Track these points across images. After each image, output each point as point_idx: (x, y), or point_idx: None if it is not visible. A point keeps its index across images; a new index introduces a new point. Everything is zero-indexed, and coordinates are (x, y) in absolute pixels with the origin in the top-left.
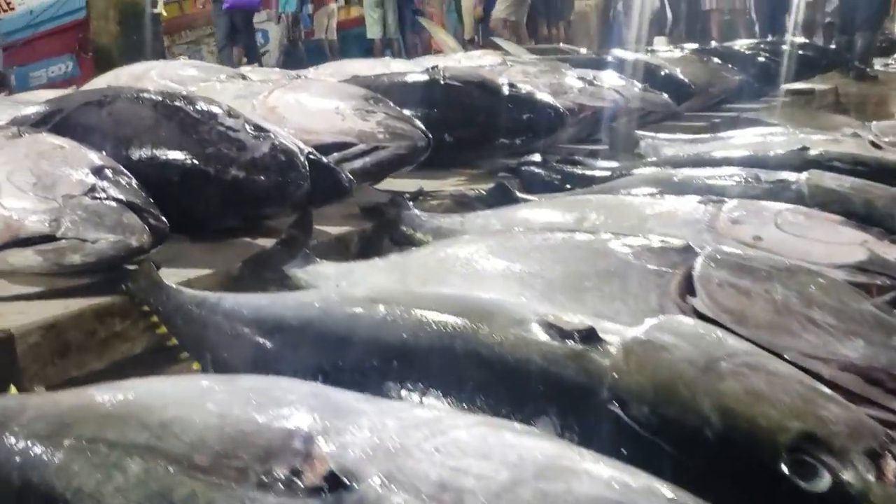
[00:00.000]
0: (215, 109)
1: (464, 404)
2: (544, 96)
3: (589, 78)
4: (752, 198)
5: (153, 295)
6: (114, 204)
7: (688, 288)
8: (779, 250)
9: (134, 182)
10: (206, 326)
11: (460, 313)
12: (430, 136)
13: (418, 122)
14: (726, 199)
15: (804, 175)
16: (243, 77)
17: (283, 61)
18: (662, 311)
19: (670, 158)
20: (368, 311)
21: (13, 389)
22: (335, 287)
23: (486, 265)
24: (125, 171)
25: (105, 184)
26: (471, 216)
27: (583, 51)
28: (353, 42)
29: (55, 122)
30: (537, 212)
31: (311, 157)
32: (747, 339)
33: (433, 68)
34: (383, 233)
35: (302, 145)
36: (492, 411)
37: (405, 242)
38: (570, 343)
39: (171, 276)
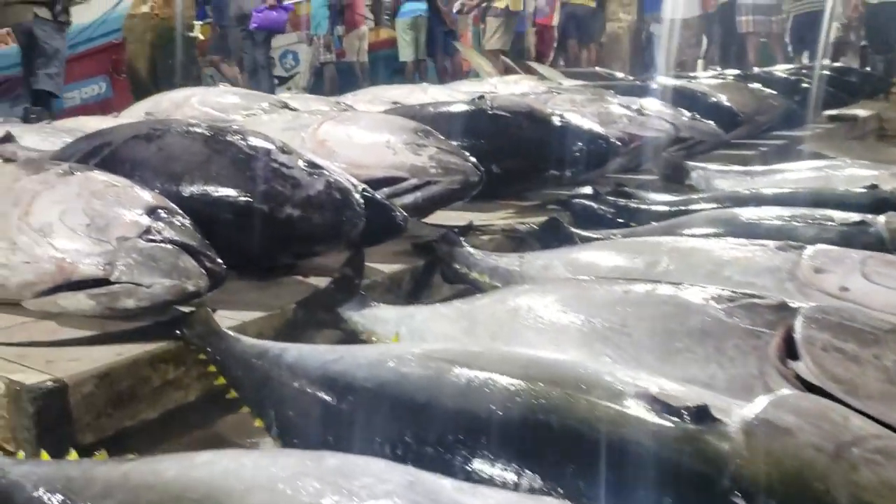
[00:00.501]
0: (268, 144)
1: (566, 491)
2: (594, 126)
3: (636, 106)
4: (828, 241)
5: (210, 343)
6: (169, 246)
7: (788, 351)
8: (867, 302)
9: (189, 223)
10: (269, 380)
11: (552, 382)
12: (482, 170)
13: (470, 157)
14: (805, 245)
15: (882, 217)
16: (286, 105)
17: (313, 83)
18: (763, 377)
19: (730, 194)
20: (450, 376)
21: (73, 454)
22: (394, 330)
23: (562, 318)
24: (180, 210)
25: (160, 225)
26: (529, 256)
27: (619, 74)
28: (382, 64)
29: (103, 155)
30: (602, 255)
31: (366, 194)
32: (860, 412)
33: (479, 98)
34: (435, 271)
35: (356, 182)
36: (597, 501)
37: (458, 281)
38: (680, 422)
39: (224, 319)
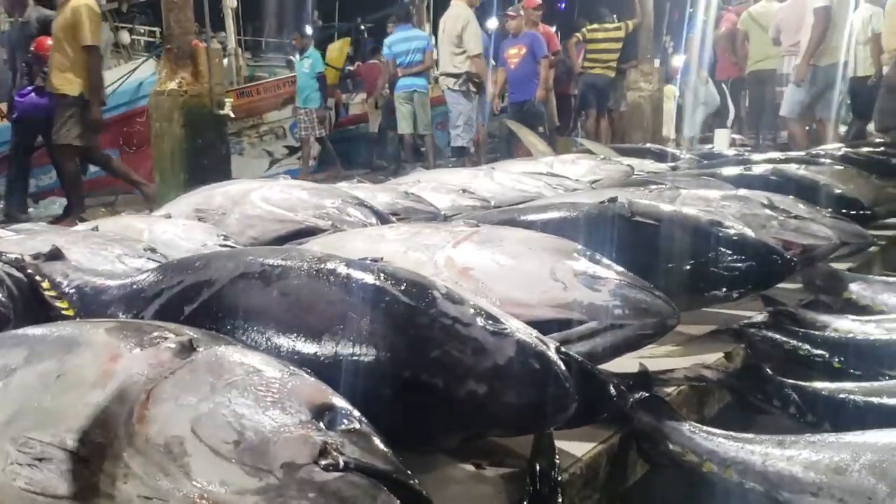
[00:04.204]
0: (432, 292)
1: None
2: (762, 238)
3: (783, 205)
4: None
5: None
6: (358, 479)
7: None
8: None
9: (371, 429)
10: None
11: None
12: (678, 310)
13: (660, 293)
14: None
15: None
16: (361, 202)
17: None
18: None
19: None
20: None
21: None
22: None
23: None
24: (355, 411)
25: (338, 439)
26: (764, 446)
27: (670, 149)
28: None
29: (202, 300)
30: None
31: (563, 356)
32: None
33: (611, 200)
34: (630, 448)
35: (549, 342)
36: None
37: (665, 464)
38: None
39: None
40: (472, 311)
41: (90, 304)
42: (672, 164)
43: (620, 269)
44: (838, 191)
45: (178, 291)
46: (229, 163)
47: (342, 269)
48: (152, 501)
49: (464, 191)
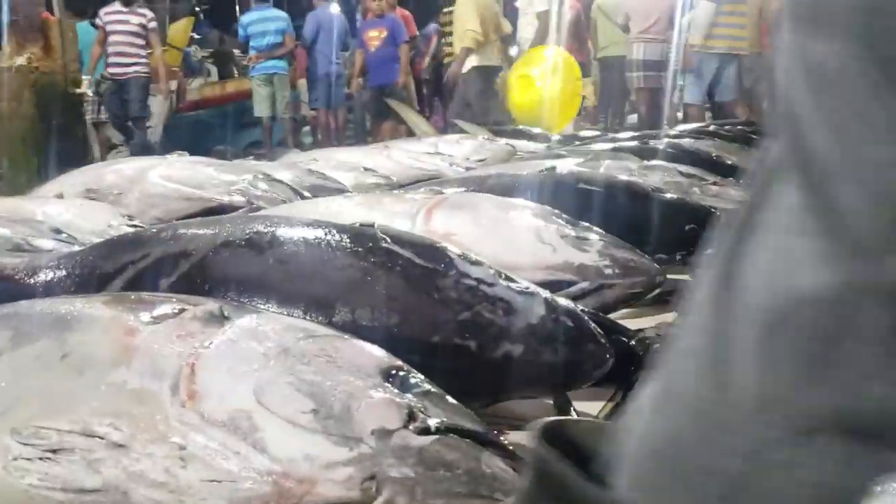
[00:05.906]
0: (448, 253)
1: None
2: (700, 202)
3: (696, 174)
4: None
5: None
6: (454, 440)
7: None
8: None
9: (448, 396)
10: None
11: None
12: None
13: (641, 252)
14: None
15: None
16: (272, 178)
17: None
18: None
19: None
20: None
21: None
22: None
23: None
24: (419, 373)
25: (421, 401)
26: None
27: (536, 130)
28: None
29: (181, 272)
30: None
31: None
32: None
33: (549, 169)
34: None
35: (566, 300)
36: None
37: None
38: None
39: None
40: (491, 271)
41: (18, 286)
42: (546, 144)
43: (600, 230)
44: (729, 162)
45: (148, 265)
46: (88, 146)
47: (337, 235)
48: (221, 485)
49: (365, 169)
